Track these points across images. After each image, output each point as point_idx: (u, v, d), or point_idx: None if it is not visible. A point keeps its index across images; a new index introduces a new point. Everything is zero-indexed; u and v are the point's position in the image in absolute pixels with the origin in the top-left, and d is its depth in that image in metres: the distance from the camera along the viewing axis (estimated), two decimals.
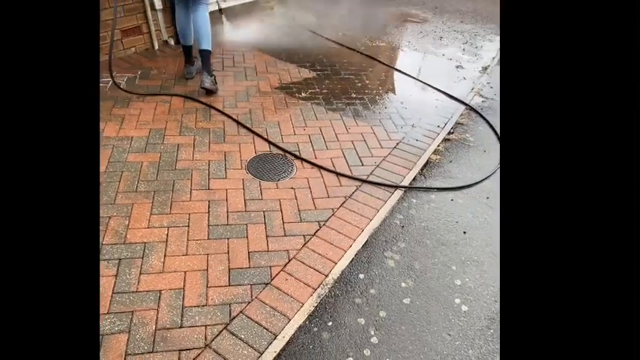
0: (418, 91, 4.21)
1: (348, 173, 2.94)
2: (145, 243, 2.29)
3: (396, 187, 2.84)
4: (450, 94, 4.15)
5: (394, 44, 5.28)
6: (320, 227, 2.48)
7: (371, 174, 2.97)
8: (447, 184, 3.03)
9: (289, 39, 5.09)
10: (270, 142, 3.14)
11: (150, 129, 3.21)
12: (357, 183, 2.86)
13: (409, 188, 2.88)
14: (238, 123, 3.37)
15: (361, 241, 2.43)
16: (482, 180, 3.05)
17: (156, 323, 1.92)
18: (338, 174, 2.91)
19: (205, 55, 3.39)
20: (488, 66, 4.97)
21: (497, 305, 2.20)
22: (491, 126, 3.72)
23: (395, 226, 2.60)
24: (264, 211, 2.57)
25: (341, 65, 4.60)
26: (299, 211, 2.60)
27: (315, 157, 3.07)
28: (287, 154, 3.04)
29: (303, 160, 3.02)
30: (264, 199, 2.66)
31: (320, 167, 2.94)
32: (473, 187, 3.00)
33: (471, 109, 3.98)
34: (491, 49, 5.48)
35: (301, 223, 2.51)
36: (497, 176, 3.14)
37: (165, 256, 2.23)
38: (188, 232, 2.39)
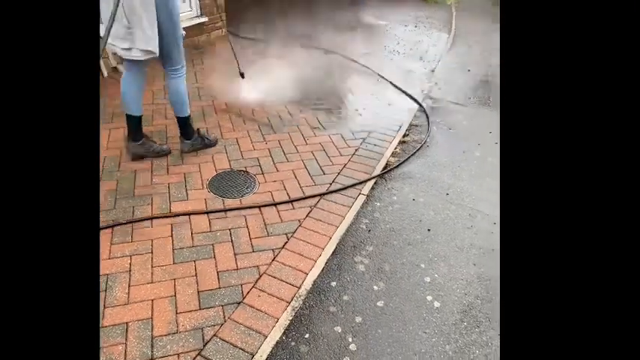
0: (371, 98, 4.24)
1: (311, 183, 2.93)
2: (107, 275, 2.15)
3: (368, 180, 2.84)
4: (408, 92, 4.27)
5: (341, 51, 5.31)
6: (288, 239, 2.43)
7: (333, 182, 2.95)
8: (408, 184, 3.05)
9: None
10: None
11: (104, 157, 3.05)
12: (321, 191, 2.84)
13: (380, 175, 2.89)
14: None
15: (330, 249, 2.40)
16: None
17: (125, 357, 1.78)
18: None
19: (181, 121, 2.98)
20: (434, 69, 5.08)
21: (468, 298, 2.20)
22: (428, 127, 3.80)
23: (362, 231, 2.58)
24: (229, 229, 2.48)
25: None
26: (265, 225, 2.53)
27: (277, 170, 3.02)
28: (247, 172, 2.96)
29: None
30: (229, 217, 2.57)
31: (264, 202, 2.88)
32: (432, 183, 3.04)
33: (424, 111, 4.05)
34: (435, 53, 5.62)
35: (269, 237, 2.45)
36: (455, 171, 3.19)
37: (129, 286, 2.10)
38: (152, 258, 2.26)
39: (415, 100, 4.18)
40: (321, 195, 2.81)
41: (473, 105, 4.32)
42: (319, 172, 3.04)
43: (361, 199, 2.82)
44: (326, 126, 3.67)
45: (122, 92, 2.71)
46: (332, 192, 2.84)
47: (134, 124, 2.84)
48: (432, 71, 5.02)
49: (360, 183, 2.96)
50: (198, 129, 3.13)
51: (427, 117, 3.93)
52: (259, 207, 2.67)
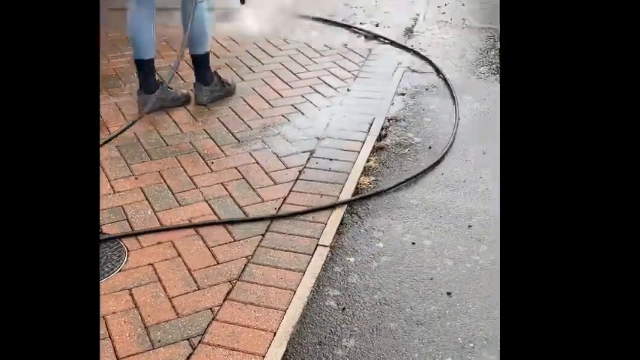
0: (312, 80, 4.39)
1: (226, 238, 2.91)
2: None
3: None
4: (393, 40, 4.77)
5: None
6: (194, 349, 2.30)
7: (267, 231, 2.94)
8: (399, 218, 3.05)
9: None
10: None
11: None
12: (247, 253, 2.82)
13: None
14: None
15: (275, 356, 2.27)
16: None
17: None
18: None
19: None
20: (413, 27, 5.23)
21: None
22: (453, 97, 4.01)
23: (330, 311, 2.52)
24: None
25: None
26: (146, 327, 2.39)
27: (161, 224, 3.01)
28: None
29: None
30: None
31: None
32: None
33: (443, 80, 4.30)
34: None
35: (153, 351, 2.28)
36: (476, 187, 3.31)
37: None
38: None
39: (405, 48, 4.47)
40: (248, 256, 2.78)
41: (487, 74, 4.49)
42: (239, 216, 3.04)
43: (321, 254, 2.79)
44: (244, 137, 3.66)
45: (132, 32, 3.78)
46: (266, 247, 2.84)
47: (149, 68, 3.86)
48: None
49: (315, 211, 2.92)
50: (215, 70, 4.10)
51: (451, 92, 4.10)
52: (130, 292, 2.56)
